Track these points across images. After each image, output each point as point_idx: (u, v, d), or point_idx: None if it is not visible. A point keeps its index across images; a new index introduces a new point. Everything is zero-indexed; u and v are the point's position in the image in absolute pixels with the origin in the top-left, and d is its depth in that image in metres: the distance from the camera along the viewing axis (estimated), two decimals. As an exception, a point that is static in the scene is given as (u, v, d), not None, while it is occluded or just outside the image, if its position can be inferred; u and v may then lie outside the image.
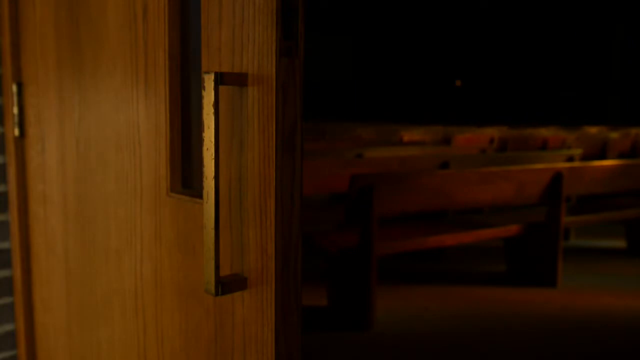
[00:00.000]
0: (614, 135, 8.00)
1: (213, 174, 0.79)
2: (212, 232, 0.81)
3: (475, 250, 4.77)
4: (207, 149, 0.80)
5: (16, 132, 1.50)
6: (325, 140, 5.85)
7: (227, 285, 0.83)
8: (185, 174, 1.05)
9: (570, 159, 4.92)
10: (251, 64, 0.81)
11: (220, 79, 0.79)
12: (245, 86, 0.83)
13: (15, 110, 1.48)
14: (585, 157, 6.37)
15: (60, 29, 1.30)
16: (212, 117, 0.79)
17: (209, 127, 0.79)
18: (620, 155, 6.81)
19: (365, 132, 7.82)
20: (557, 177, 3.70)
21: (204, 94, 0.79)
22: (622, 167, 4.17)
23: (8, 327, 1.59)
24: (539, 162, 4.80)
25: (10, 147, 1.52)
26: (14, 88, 1.48)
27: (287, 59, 0.79)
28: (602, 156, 6.48)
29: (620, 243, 5.11)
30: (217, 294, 0.81)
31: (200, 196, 0.97)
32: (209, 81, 0.78)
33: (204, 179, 0.81)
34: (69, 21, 1.27)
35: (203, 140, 0.80)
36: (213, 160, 0.79)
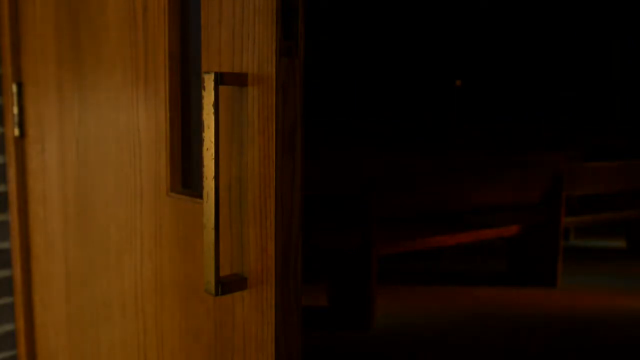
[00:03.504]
0: (614, 135, 8.00)
1: (213, 174, 0.79)
2: (212, 232, 0.81)
3: (475, 250, 4.77)
4: (207, 149, 0.80)
5: (16, 132, 1.50)
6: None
7: (227, 285, 0.83)
8: (185, 174, 1.05)
9: (570, 159, 4.92)
10: (251, 64, 0.81)
11: (220, 79, 0.79)
12: (245, 86, 0.83)
13: (15, 110, 1.48)
14: (585, 157, 6.36)
15: (60, 29, 1.30)
16: (212, 117, 0.79)
17: (209, 127, 0.79)
18: (620, 155, 6.81)
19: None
20: (557, 177, 3.70)
21: (204, 94, 0.79)
22: (622, 167, 4.17)
23: (8, 327, 1.59)
24: (539, 162, 4.79)
25: (10, 147, 1.52)
26: (14, 88, 1.48)
27: (287, 59, 0.79)
28: (602, 156, 6.48)
29: (620, 243, 5.11)
30: (217, 294, 0.81)
31: (200, 196, 0.97)
32: (209, 81, 0.78)
33: (204, 179, 0.81)
34: (69, 21, 1.27)
35: (203, 140, 0.80)
36: (213, 160, 0.79)
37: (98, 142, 1.21)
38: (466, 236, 3.42)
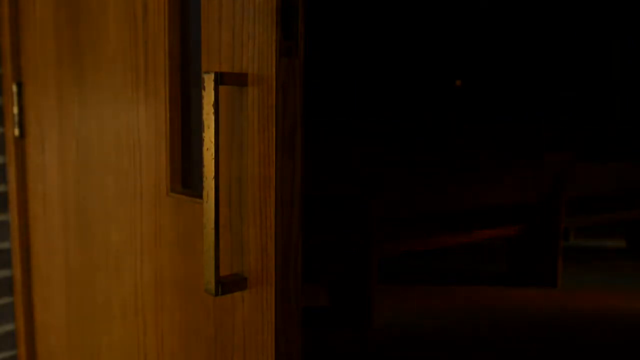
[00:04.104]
0: (614, 135, 8.00)
1: (213, 174, 0.79)
2: (212, 232, 0.81)
3: (475, 250, 4.77)
4: (207, 149, 0.80)
5: (16, 132, 1.50)
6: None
7: (227, 285, 0.83)
8: (185, 174, 1.05)
9: (570, 159, 4.91)
10: (251, 64, 0.81)
11: (220, 79, 0.79)
12: (245, 86, 0.83)
13: (15, 110, 1.48)
14: (586, 157, 6.37)
15: (60, 29, 1.30)
16: (212, 117, 0.79)
17: (209, 127, 0.79)
18: (620, 156, 6.81)
19: None
20: (557, 177, 3.70)
21: (204, 94, 0.79)
22: (622, 168, 4.17)
23: (8, 327, 1.59)
24: (539, 162, 4.79)
25: (10, 147, 1.52)
26: (14, 88, 1.48)
27: (287, 59, 0.79)
28: (602, 156, 6.48)
29: (620, 243, 5.11)
30: (217, 294, 0.81)
31: (200, 196, 0.97)
32: (209, 81, 0.78)
33: (204, 179, 0.81)
34: (69, 21, 1.27)
35: (203, 140, 0.80)
36: (213, 160, 0.79)
37: (98, 142, 1.21)
38: (466, 236, 3.42)
